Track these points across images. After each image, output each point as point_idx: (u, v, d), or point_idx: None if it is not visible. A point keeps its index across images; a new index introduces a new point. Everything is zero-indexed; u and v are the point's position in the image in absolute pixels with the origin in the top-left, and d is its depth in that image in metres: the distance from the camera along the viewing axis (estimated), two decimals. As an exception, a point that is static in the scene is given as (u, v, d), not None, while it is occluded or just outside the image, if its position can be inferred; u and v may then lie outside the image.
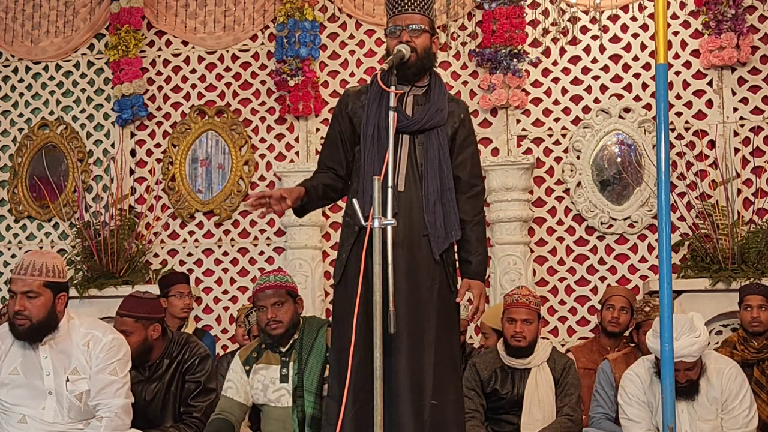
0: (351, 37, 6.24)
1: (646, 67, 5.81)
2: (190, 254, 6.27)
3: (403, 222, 3.08)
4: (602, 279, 5.75)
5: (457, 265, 3.25)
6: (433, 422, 3.05)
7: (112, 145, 6.44)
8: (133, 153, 6.43)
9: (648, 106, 5.78)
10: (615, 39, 5.89)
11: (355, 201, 3.06)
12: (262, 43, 6.35)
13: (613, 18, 5.88)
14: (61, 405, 3.45)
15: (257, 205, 3.21)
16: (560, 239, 5.84)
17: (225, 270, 6.21)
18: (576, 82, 5.93)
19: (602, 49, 5.89)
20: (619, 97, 5.85)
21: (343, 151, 3.29)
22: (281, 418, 3.75)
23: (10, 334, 3.50)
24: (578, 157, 5.82)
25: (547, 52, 5.94)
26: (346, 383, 2.95)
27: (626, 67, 5.86)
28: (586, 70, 5.92)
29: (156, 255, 6.27)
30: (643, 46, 5.84)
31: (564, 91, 5.93)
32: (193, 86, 6.41)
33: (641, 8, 5.83)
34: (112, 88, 6.41)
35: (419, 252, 3.13)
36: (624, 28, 5.89)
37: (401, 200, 3.11)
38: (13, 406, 3.46)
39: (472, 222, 3.22)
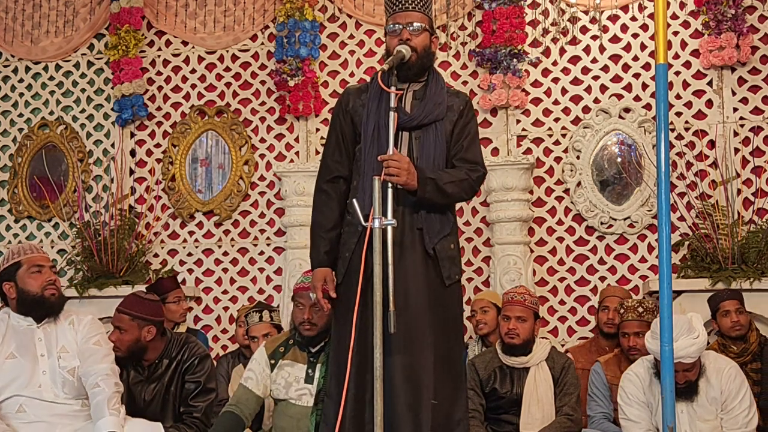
0: (351, 37, 6.24)
1: (646, 67, 5.81)
2: (190, 254, 6.27)
3: (400, 219, 3.09)
4: (602, 279, 5.75)
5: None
6: (435, 421, 3.04)
7: (112, 145, 6.44)
8: (133, 153, 6.43)
9: (648, 106, 5.77)
10: (615, 39, 5.89)
11: (355, 201, 3.07)
12: (262, 43, 6.35)
13: (613, 18, 5.88)
14: (55, 382, 3.53)
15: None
16: (560, 239, 5.83)
17: (225, 270, 6.21)
18: (576, 82, 5.93)
19: (602, 49, 5.88)
20: (619, 97, 5.85)
21: (345, 151, 3.30)
22: (298, 416, 3.72)
23: (4, 322, 3.62)
24: (578, 157, 5.82)
25: (547, 52, 5.94)
26: (345, 383, 2.95)
27: (626, 67, 5.86)
28: (586, 70, 5.91)
29: (156, 255, 6.27)
30: (643, 46, 5.84)
31: (564, 91, 5.93)
32: (193, 86, 6.41)
33: (641, 8, 5.83)
34: (112, 88, 6.41)
35: (413, 248, 3.14)
36: (624, 28, 5.89)
37: (399, 197, 3.12)
38: (8, 389, 3.49)
39: (463, 169, 3.21)
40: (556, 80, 5.94)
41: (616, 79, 5.87)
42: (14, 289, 3.60)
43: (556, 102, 5.93)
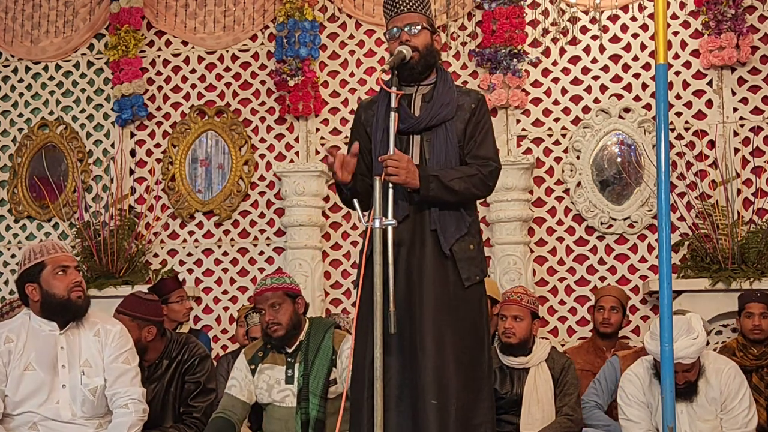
0: (351, 37, 6.24)
1: (646, 67, 5.81)
2: (190, 254, 6.26)
3: (414, 220, 3.08)
4: (602, 279, 5.75)
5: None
6: (460, 423, 3.01)
7: (112, 145, 6.44)
8: (132, 153, 6.43)
9: (648, 106, 5.77)
10: (615, 39, 5.89)
11: (355, 201, 3.07)
12: (262, 43, 6.35)
13: (613, 18, 5.88)
14: (75, 399, 3.40)
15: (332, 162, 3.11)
16: (560, 239, 5.83)
17: (225, 270, 6.21)
18: (576, 82, 5.93)
19: (602, 49, 5.89)
20: (619, 97, 5.85)
21: (363, 163, 3.27)
22: (284, 418, 3.74)
23: (24, 327, 3.47)
24: (578, 157, 5.82)
25: (547, 52, 5.94)
26: (345, 384, 2.95)
27: (626, 67, 5.86)
28: (586, 70, 5.91)
29: (156, 255, 6.27)
30: (643, 46, 5.84)
31: (564, 91, 5.93)
32: (193, 86, 6.40)
33: (641, 8, 5.83)
34: (112, 88, 6.41)
35: (428, 249, 3.11)
36: (624, 28, 5.89)
37: (412, 200, 3.10)
38: (25, 404, 3.39)
39: (474, 165, 3.16)
40: (556, 80, 5.94)
41: (616, 79, 5.87)
42: (38, 291, 3.41)
43: (556, 102, 5.93)
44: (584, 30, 5.93)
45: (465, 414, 3.04)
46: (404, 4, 3.19)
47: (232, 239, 6.25)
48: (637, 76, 5.84)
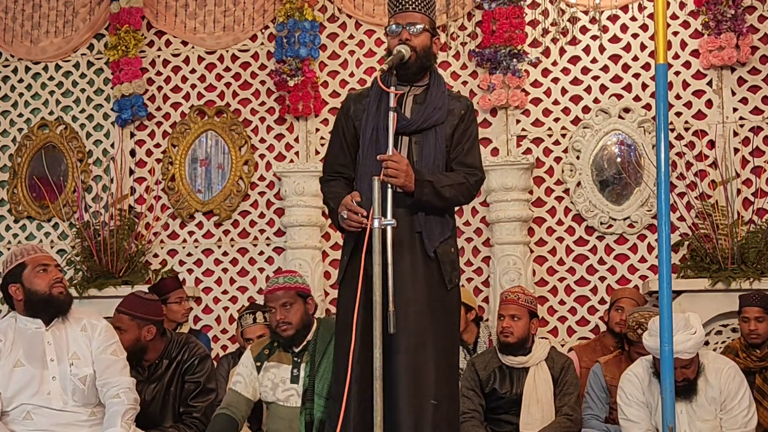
0: (351, 37, 6.24)
1: (646, 67, 5.81)
2: (189, 254, 6.26)
3: (400, 221, 3.08)
4: (602, 279, 5.74)
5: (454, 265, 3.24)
6: (434, 422, 3.04)
7: (112, 145, 6.44)
8: (132, 153, 6.43)
9: (648, 106, 5.77)
10: (615, 39, 5.89)
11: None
12: (262, 43, 6.35)
13: (613, 18, 5.88)
14: (66, 389, 3.50)
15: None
16: (560, 239, 5.83)
17: (225, 270, 6.21)
18: (576, 82, 5.92)
19: (602, 49, 5.88)
20: (619, 97, 5.85)
21: (348, 154, 3.29)
22: (288, 418, 3.73)
23: (11, 328, 3.59)
24: (578, 157, 5.82)
25: (546, 52, 5.94)
26: (346, 384, 2.95)
27: (626, 67, 5.86)
28: (585, 70, 5.91)
29: (156, 255, 6.27)
30: (643, 46, 5.84)
31: (564, 91, 5.92)
32: (193, 86, 6.40)
33: (641, 8, 5.83)
34: (112, 88, 6.41)
35: (414, 250, 3.13)
36: (624, 28, 5.89)
37: (398, 200, 3.11)
38: (17, 398, 3.47)
39: (461, 173, 3.19)
40: (555, 80, 5.94)
41: (616, 79, 5.87)
42: (21, 290, 3.55)
43: (555, 102, 5.93)
44: (584, 30, 5.92)
45: (441, 412, 3.08)
46: (409, 2, 3.19)
47: (232, 239, 6.25)
48: (636, 76, 5.84)
